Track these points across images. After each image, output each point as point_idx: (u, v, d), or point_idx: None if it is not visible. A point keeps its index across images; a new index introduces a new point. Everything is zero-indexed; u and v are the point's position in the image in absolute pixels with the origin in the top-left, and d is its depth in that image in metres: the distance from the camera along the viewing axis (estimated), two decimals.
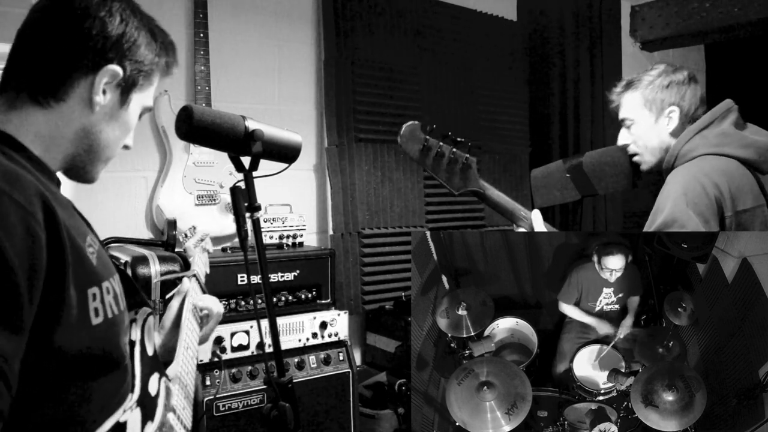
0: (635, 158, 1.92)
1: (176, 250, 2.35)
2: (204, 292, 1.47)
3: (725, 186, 1.70)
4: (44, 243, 0.82)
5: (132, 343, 1.03)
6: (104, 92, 0.99)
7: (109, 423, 0.92)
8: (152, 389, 1.05)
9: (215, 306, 1.41)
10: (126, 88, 1.02)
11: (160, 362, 1.14)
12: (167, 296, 1.40)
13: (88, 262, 0.91)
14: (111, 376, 0.94)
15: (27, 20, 0.99)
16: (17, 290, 0.77)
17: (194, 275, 1.46)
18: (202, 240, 1.68)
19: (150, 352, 1.09)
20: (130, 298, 1.04)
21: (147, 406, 1.02)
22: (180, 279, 1.44)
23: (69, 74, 0.97)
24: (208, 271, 1.61)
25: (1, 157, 0.88)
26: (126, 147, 1.10)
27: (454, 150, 1.62)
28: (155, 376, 1.07)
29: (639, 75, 1.91)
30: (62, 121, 0.97)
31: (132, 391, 0.99)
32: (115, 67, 0.98)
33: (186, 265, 2.18)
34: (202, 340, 1.40)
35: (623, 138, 1.93)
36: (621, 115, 1.92)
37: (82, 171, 1.05)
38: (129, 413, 0.96)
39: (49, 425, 0.84)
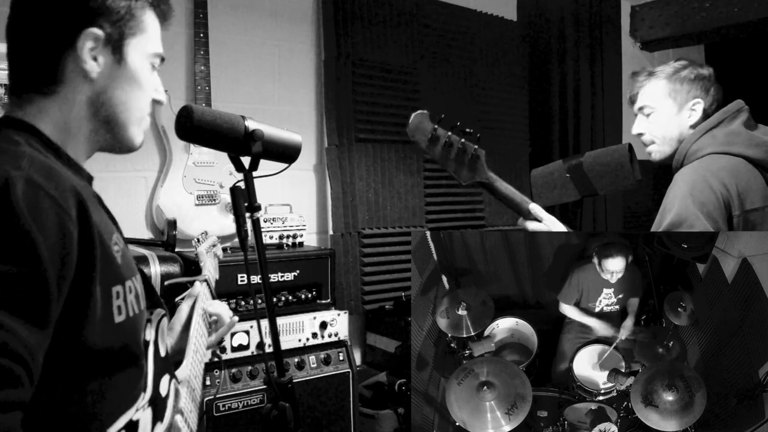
0: (648, 148, 1.92)
1: (176, 250, 2.35)
2: (214, 298, 1.47)
3: (733, 185, 1.69)
4: (76, 240, 0.82)
5: (146, 344, 1.02)
6: (95, 58, 0.96)
7: (123, 420, 0.92)
8: (163, 390, 1.05)
9: (225, 312, 1.41)
10: (115, 43, 0.98)
11: (170, 364, 1.14)
12: (177, 299, 1.40)
13: (113, 260, 0.91)
14: (128, 373, 0.94)
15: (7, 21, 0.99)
16: (46, 285, 0.77)
17: (205, 280, 1.47)
18: (213, 246, 1.69)
19: (162, 353, 1.09)
20: (147, 299, 1.04)
21: (158, 406, 1.02)
22: (191, 283, 1.44)
23: (54, 54, 0.95)
24: (217, 277, 1.61)
25: (34, 152, 0.87)
26: (157, 102, 1.08)
27: (463, 141, 1.61)
28: (166, 378, 1.08)
29: (662, 66, 1.91)
30: (70, 102, 0.96)
31: (144, 390, 0.99)
32: (93, 30, 0.94)
33: (187, 266, 2.18)
34: (210, 346, 1.40)
35: (638, 127, 1.93)
36: (640, 103, 1.91)
37: (115, 142, 1.03)
38: (141, 412, 0.97)
39: (67, 420, 0.85)
